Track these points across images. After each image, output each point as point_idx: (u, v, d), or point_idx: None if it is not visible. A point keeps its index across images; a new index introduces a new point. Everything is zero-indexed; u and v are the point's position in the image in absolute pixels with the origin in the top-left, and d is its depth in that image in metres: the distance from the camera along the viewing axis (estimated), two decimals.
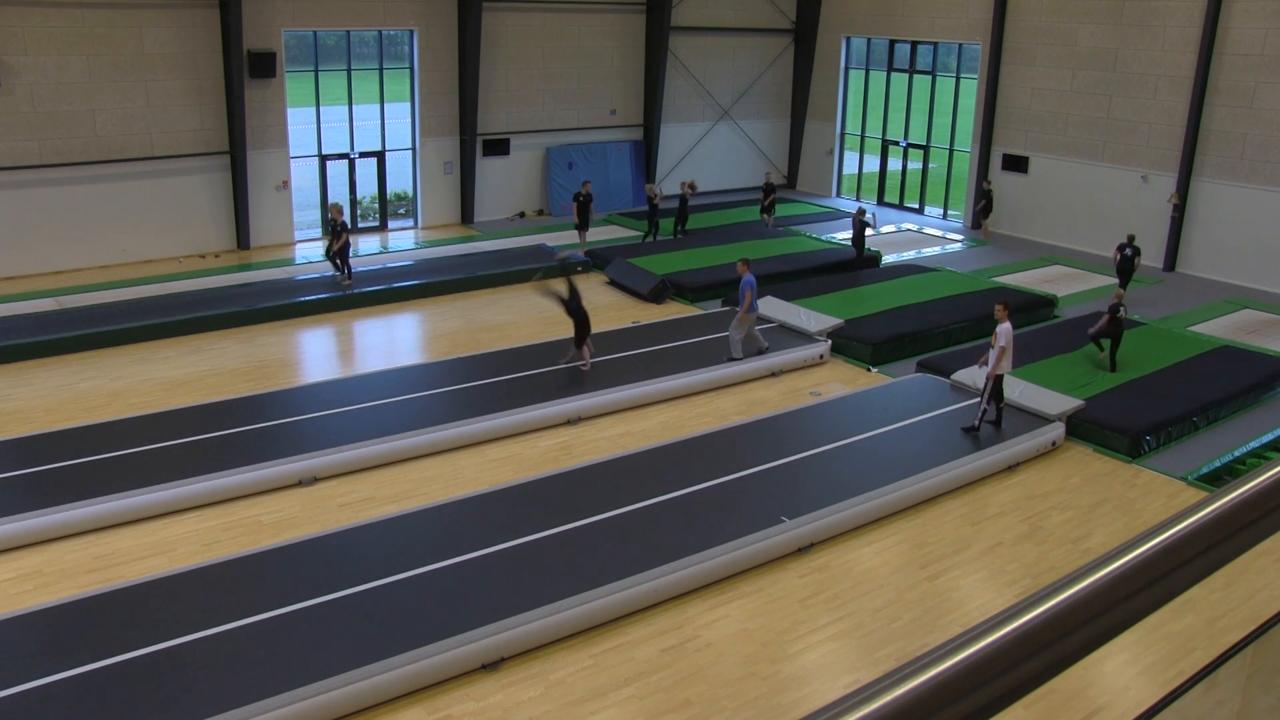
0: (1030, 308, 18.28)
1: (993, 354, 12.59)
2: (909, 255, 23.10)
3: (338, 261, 18.48)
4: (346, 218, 18.55)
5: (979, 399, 12.98)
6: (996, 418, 12.93)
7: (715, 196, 28.37)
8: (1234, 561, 1.67)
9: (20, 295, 17.92)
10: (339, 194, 23.79)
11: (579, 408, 13.58)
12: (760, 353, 15.51)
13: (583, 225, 21.76)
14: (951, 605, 9.54)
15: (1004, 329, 12.49)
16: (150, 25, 19.96)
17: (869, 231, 21.86)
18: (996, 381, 12.69)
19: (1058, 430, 13.12)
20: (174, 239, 21.07)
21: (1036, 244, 24.28)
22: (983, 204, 24.76)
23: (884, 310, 17.48)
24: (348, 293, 18.16)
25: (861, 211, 21.54)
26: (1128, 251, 19.16)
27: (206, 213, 21.36)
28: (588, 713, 7.90)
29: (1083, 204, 23.71)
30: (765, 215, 24.25)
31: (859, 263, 21.33)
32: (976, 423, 12.77)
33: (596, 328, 17.04)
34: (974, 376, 14.28)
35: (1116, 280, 19.46)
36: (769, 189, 24.28)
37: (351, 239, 18.51)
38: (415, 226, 24.52)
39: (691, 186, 23.22)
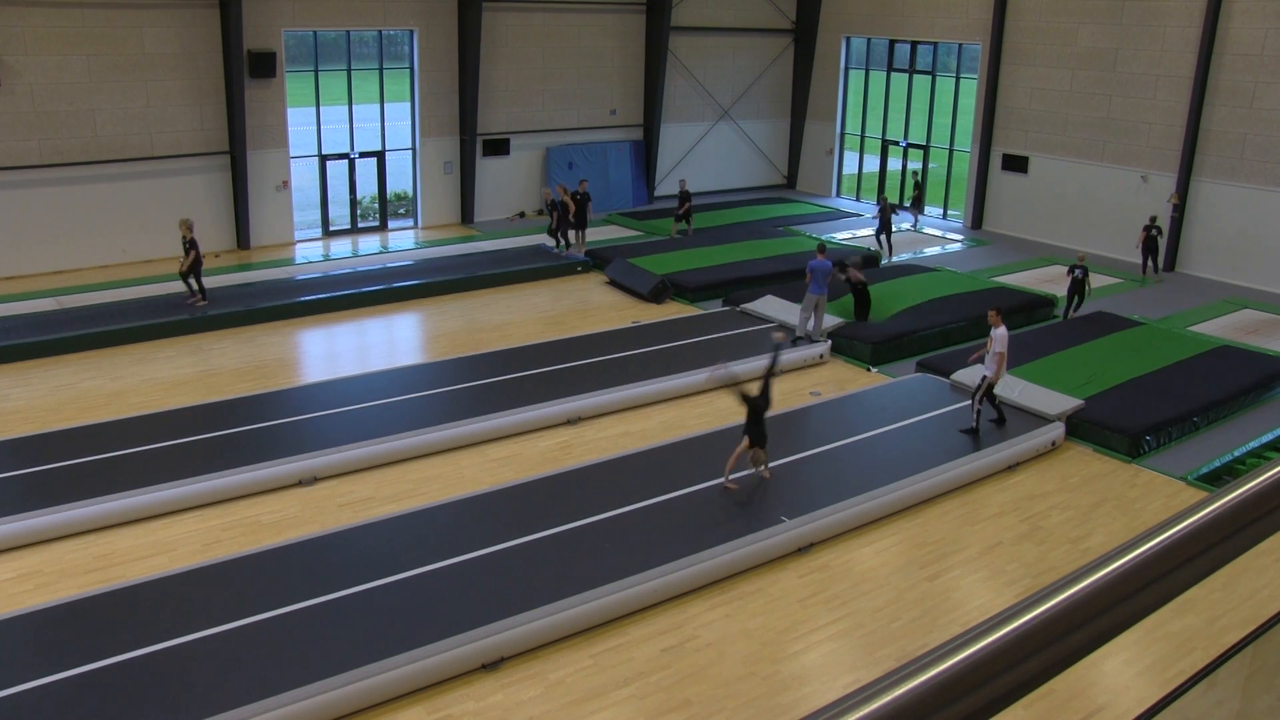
0: (1030, 308, 18.29)
1: (990, 358, 12.60)
2: (909, 255, 23.09)
3: (190, 282, 17.09)
4: (196, 234, 17.11)
5: (971, 401, 12.96)
6: (999, 417, 12.95)
7: (715, 196, 28.37)
8: (1234, 561, 1.67)
9: (20, 295, 17.92)
10: (339, 195, 23.80)
11: (579, 408, 13.58)
12: (793, 342, 15.82)
13: (580, 225, 21.77)
14: (951, 605, 9.54)
15: (999, 334, 12.51)
16: (150, 25, 19.96)
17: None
18: (989, 386, 12.68)
19: (1057, 430, 13.12)
20: (174, 239, 20.97)
21: (1036, 244, 24.28)
22: (915, 195, 25.39)
23: (884, 310, 17.47)
24: (203, 314, 16.80)
25: (883, 199, 22.94)
26: (1153, 231, 20.83)
27: (206, 213, 21.35)
28: (588, 713, 7.90)
29: (1083, 204, 23.71)
30: (682, 224, 23.05)
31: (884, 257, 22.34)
32: (974, 424, 12.75)
33: (597, 327, 17.08)
34: (973, 376, 14.29)
35: (1141, 266, 21.08)
36: (684, 197, 23.05)
37: (203, 257, 17.21)
38: (415, 226, 24.52)
39: (567, 191, 21.41)
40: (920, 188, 25.65)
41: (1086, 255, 18.74)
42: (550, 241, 21.57)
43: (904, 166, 29.01)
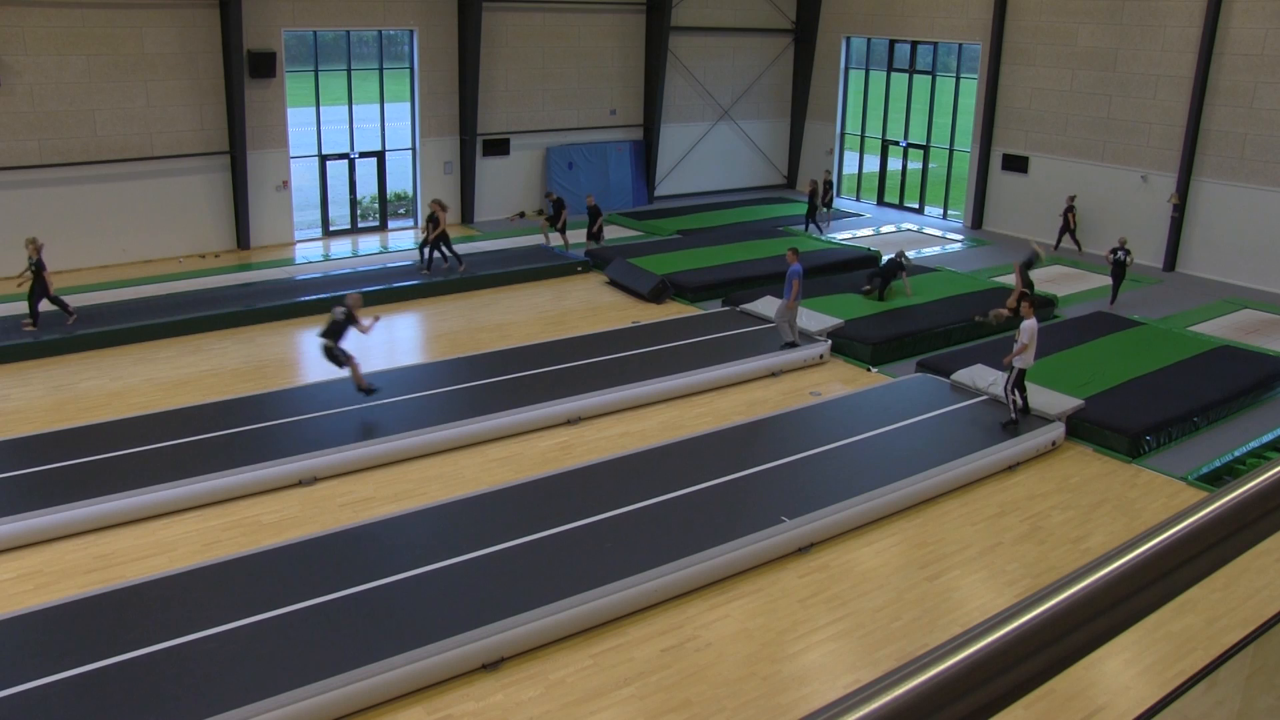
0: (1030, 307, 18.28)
1: (1016, 348, 12.80)
2: (909, 255, 23.06)
3: (36, 303, 15.73)
4: (44, 255, 15.71)
5: (1003, 395, 13.17)
6: (1024, 407, 13.18)
7: (715, 196, 28.39)
8: (1234, 561, 1.67)
9: (21, 295, 17.89)
10: (339, 195, 23.79)
11: (579, 408, 13.58)
12: (791, 345, 15.73)
13: (561, 229, 21.37)
14: (951, 605, 9.54)
15: (1027, 325, 12.71)
16: (150, 25, 19.96)
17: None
18: (1019, 374, 12.90)
19: (1058, 430, 13.12)
20: (174, 239, 21.07)
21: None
22: (827, 196, 25.24)
23: (884, 310, 17.48)
24: (73, 333, 15.72)
25: (813, 183, 24.52)
26: (1069, 214, 23.19)
27: (206, 213, 21.36)
28: (588, 713, 7.90)
29: (1083, 204, 23.70)
30: (591, 241, 21.68)
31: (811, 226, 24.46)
32: (1014, 415, 12.94)
33: (596, 327, 17.08)
34: (973, 377, 14.30)
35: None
36: (595, 212, 21.69)
37: (49, 278, 15.75)
38: (415, 226, 24.52)
39: (441, 205, 19.62)
40: (829, 186, 25.51)
41: (1127, 239, 19.83)
42: (439, 256, 19.82)
43: (904, 166, 29.04)
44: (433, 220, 19.49)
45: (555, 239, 21.70)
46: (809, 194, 24.60)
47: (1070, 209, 23.22)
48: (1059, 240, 23.46)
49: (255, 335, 16.68)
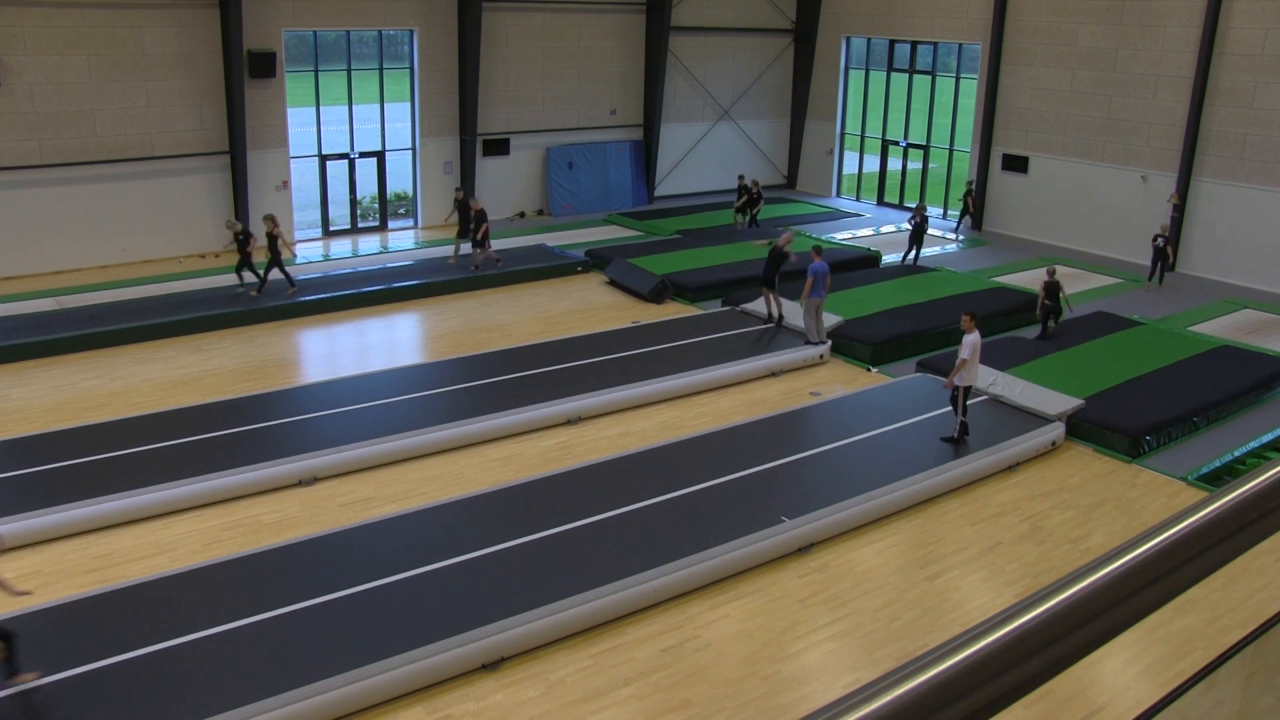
0: (1030, 307, 18.28)
1: (956, 364, 12.17)
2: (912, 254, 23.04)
3: None
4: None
5: (954, 409, 12.59)
6: (960, 431, 12.46)
7: (716, 196, 28.37)
8: (1234, 561, 1.67)
9: (20, 295, 17.91)
10: (339, 195, 23.78)
11: (579, 408, 13.58)
12: (821, 341, 16.17)
13: (464, 230, 20.37)
14: (951, 605, 9.54)
15: (969, 340, 12.08)
16: (150, 25, 19.96)
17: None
18: (964, 393, 12.27)
19: (1058, 430, 13.11)
20: (174, 239, 21.07)
21: (1036, 244, 24.28)
22: (744, 200, 24.06)
23: (884, 310, 17.48)
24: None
25: (755, 183, 24.48)
26: (967, 198, 24.80)
27: (206, 213, 21.36)
28: (588, 713, 7.90)
29: (1083, 204, 23.71)
30: (479, 249, 19.69)
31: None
32: (955, 434, 12.44)
33: (595, 328, 17.07)
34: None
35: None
36: (479, 216, 19.55)
37: None
38: (415, 226, 24.53)
39: (273, 221, 17.86)
40: (755, 191, 24.21)
41: (1166, 226, 21.02)
42: (253, 278, 18.11)
43: (904, 166, 29.04)
44: (243, 239, 17.96)
45: (466, 249, 20.06)
46: (755, 191, 23.90)
47: (969, 193, 24.79)
48: (959, 224, 25.07)
49: (255, 335, 16.68)
